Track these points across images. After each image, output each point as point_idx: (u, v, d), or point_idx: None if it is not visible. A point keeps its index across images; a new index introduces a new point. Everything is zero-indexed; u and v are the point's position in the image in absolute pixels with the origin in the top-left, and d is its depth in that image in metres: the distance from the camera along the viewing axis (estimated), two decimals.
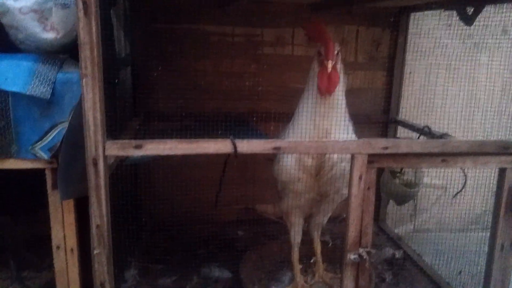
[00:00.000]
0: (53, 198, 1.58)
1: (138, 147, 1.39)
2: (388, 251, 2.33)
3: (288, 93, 2.42)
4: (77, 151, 1.54)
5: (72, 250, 1.64)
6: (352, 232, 1.54)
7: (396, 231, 2.67)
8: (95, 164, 1.39)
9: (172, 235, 2.36)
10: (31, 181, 1.64)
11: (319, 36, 1.67)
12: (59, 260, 1.64)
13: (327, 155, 1.63)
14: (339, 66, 1.67)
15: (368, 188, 1.51)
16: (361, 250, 1.54)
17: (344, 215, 1.60)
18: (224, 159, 1.97)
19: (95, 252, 1.47)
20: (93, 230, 1.45)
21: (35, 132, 1.50)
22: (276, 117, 2.12)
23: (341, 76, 1.66)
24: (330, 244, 2.32)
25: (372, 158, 1.49)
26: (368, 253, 1.54)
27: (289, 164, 1.68)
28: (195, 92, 2.31)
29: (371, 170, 1.51)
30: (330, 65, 1.57)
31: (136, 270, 2.11)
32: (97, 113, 1.34)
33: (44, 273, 2.00)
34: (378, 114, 2.62)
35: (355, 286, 1.59)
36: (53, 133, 1.50)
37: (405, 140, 1.64)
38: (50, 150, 1.51)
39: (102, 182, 1.41)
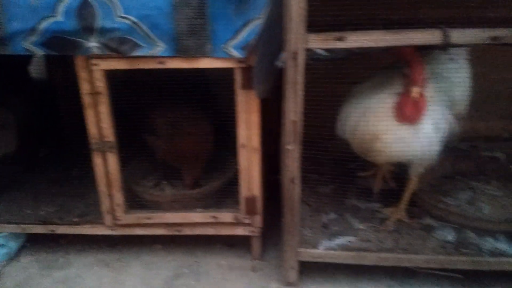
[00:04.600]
0: (241, 97, 1.63)
1: (340, 39, 1.34)
2: None
3: None
4: (269, 48, 1.55)
5: (255, 149, 1.71)
6: None
7: None
8: (295, 58, 1.39)
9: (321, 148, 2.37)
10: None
11: (406, 56, 1.49)
12: (242, 158, 1.73)
13: None
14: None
15: None
16: None
17: None
18: None
19: (288, 147, 1.51)
20: (288, 125, 1.48)
21: (229, 30, 1.51)
22: None
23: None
24: None
25: None
26: None
27: None
28: None
29: None
30: (416, 92, 1.44)
31: None
32: (302, 2, 1.31)
33: None
34: None
35: None
36: (247, 30, 1.51)
37: None
38: (243, 48, 1.53)
39: (300, 77, 1.41)
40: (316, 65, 1.48)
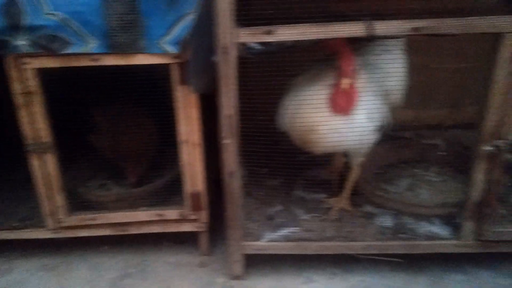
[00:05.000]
0: (180, 93, 1.62)
1: (269, 32, 1.36)
2: None
3: None
4: (203, 43, 1.54)
5: (196, 144, 1.71)
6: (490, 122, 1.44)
7: None
8: (226, 52, 1.39)
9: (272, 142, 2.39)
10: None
11: (336, 48, 1.52)
12: (184, 154, 1.72)
13: None
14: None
15: None
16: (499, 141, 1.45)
17: None
18: None
19: (224, 141, 1.52)
20: (223, 120, 1.49)
21: (162, 26, 1.50)
22: None
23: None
24: None
25: None
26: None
27: None
28: None
29: None
30: (345, 83, 1.48)
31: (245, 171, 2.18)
32: None
33: None
34: None
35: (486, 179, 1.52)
36: (180, 26, 1.50)
37: None
38: (178, 44, 1.52)
39: (232, 71, 1.42)
40: (255, 59, 1.50)
